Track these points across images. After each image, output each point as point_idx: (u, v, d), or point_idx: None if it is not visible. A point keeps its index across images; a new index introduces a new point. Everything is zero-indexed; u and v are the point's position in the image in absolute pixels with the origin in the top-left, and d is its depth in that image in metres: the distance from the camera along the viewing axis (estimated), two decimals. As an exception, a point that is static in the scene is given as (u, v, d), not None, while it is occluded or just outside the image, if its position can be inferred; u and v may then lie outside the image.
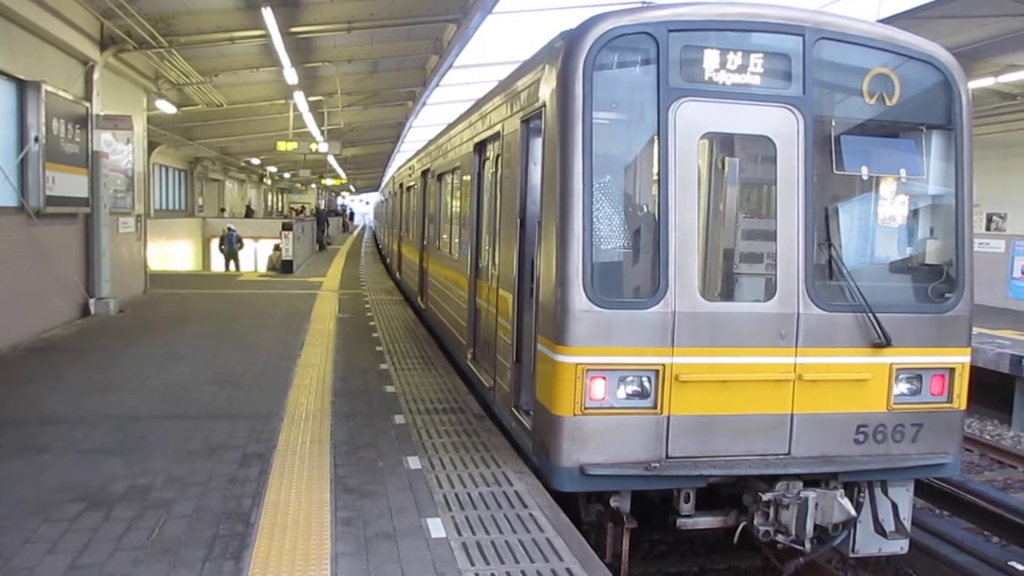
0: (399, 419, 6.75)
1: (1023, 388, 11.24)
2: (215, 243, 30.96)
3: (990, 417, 11.86)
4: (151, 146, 19.66)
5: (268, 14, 11.96)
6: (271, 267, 23.22)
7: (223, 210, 37.99)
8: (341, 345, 10.25)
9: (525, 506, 4.86)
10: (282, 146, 21.60)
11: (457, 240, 9.15)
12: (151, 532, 4.33)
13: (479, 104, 8.22)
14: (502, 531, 4.48)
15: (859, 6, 13.18)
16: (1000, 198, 19.34)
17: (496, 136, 6.96)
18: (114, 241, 13.21)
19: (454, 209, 9.60)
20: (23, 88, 10.13)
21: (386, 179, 39.84)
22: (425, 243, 12.29)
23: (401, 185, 17.90)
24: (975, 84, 15.03)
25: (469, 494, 5.03)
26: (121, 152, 13.84)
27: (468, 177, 8.23)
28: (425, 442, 6.12)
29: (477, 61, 25.06)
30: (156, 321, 12.33)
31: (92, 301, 12.31)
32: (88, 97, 12.17)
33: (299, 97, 18.79)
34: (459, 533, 4.42)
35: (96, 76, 12.34)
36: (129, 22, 12.05)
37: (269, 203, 54.09)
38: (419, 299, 12.76)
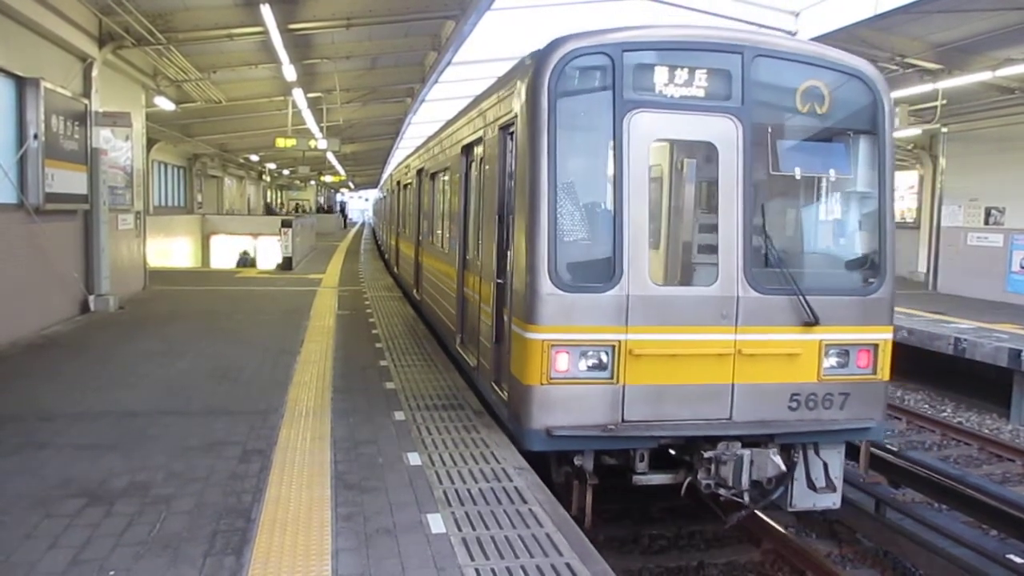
0: (399, 415, 6.76)
1: (1021, 382, 11.26)
2: (215, 241, 31.02)
3: (988, 411, 11.90)
4: (150, 143, 19.65)
5: (266, 10, 11.95)
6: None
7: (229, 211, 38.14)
8: (341, 341, 10.26)
9: (525, 502, 4.88)
10: (281, 143, 21.55)
11: (448, 235, 9.68)
12: (152, 528, 4.35)
13: (466, 110, 8.86)
14: (502, 527, 4.49)
15: (856, 2, 13.16)
16: (998, 192, 19.30)
17: (480, 140, 7.60)
18: (113, 238, 13.21)
19: (445, 206, 10.14)
20: (22, 85, 10.12)
21: (385, 176, 39.86)
22: (420, 238, 12.87)
23: (398, 183, 18.55)
24: (972, 78, 15.05)
25: (469, 490, 5.05)
26: (120, 149, 13.84)
27: (457, 177, 8.84)
28: (425, 438, 6.13)
29: (476, 57, 24.97)
30: (156, 317, 12.33)
31: (91, 298, 12.32)
32: (87, 94, 12.16)
33: (298, 94, 18.76)
34: (459, 529, 4.44)
35: (95, 73, 12.33)
36: (127, 19, 12.03)
37: (268, 199, 54.02)
38: (415, 292, 13.41)
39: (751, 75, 5.81)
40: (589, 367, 5.68)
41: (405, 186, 16.15)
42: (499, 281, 6.60)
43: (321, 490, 4.95)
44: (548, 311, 5.61)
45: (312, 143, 21.83)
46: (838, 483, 6.26)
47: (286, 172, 47.30)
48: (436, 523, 4.50)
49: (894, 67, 15.80)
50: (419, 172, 13.20)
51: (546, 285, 5.59)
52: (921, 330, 12.68)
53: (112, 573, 3.85)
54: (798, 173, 6.21)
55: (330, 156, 34.38)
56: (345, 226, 60.97)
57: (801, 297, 5.81)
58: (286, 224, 22.37)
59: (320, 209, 61.95)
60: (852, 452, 8.41)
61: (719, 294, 5.78)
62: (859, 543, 7.06)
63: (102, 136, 12.58)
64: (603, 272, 5.70)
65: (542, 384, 5.63)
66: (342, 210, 74.55)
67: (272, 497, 4.82)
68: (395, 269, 19.05)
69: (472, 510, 4.71)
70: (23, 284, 10.29)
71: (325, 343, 10.09)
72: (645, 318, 5.68)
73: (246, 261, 27.99)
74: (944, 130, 18.62)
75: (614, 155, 5.68)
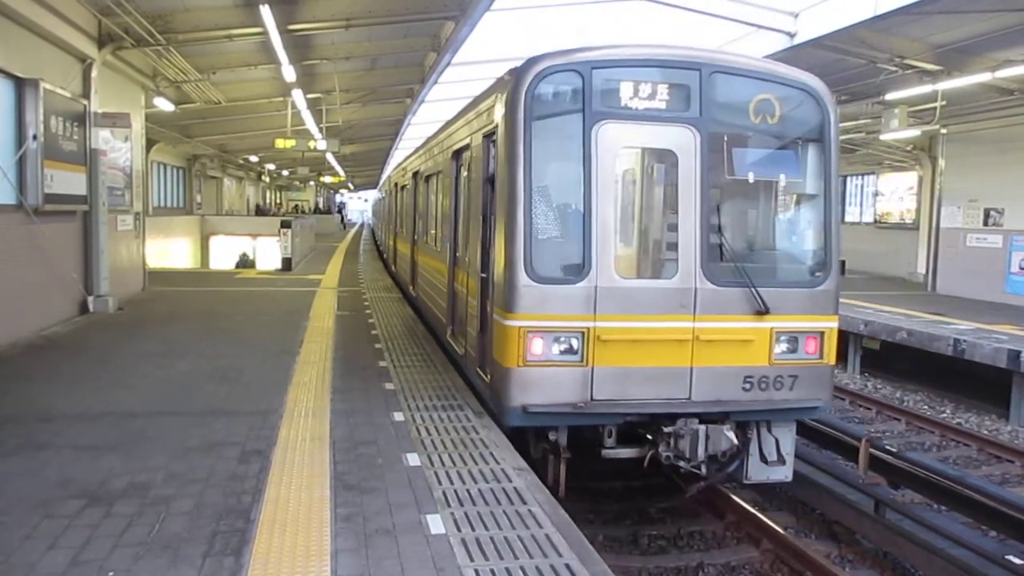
0: (398, 416, 6.76)
1: (1020, 383, 11.26)
2: (214, 242, 31.01)
3: (988, 412, 11.90)
4: (149, 144, 19.64)
5: (266, 11, 11.95)
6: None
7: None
8: (340, 342, 10.26)
9: (524, 502, 4.88)
10: (280, 143, 21.55)
11: (440, 234, 10.26)
12: (151, 528, 4.35)
13: (456, 117, 9.51)
14: (501, 527, 4.49)
15: (855, 3, 13.15)
16: (998, 193, 19.33)
17: (467, 147, 8.19)
18: (112, 239, 13.21)
19: (438, 207, 10.69)
20: (21, 86, 10.12)
21: (384, 177, 39.88)
22: (415, 237, 13.48)
23: (396, 184, 19.19)
24: (972, 79, 15.07)
25: (468, 490, 5.05)
26: (119, 150, 13.84)
27: (447, 180, 9.44)
28: (424, 439, 6.13)
29: (476, 58, 24.98)
30: (155, 318, 12.33)
31: (91, 298, 12.31)
32: (86, 95, 12.15)
33: (297, 94, 18.76)
34: (458, 529, 4.44)
35: (94, 74, 12.33)
36: (127, 19, 12.03)
37: (267, 200, 53.99)
38: (411, 288, 14.07)
39: (708, 89, 6.37)
40: (561, 351, 6.23)
41: (402, 188, 16.78)
42: (483, 275, 7.16)
43: (320, 491, 4.95)
44: (524, 301, 6.17)
45: (311, 144, 21.84)
46: (789, 458, 6.84)
47: (285, 173, 47.28)
48: (435, 524, 4.50)
49: (894, 68, 15.81)
50: (415, 175, 13.74)
51: (523, 278, 6.15)
52: (920, 331, 12.68)
53: (111, 574, 3.85)
54: (751, 177, 6.84)
55: (329, 157, 34.35)
56: (344, 227, 60.89)
57: (753, 289, 6.36)
58: (285, 225, 22.35)
59: (318, 210, 61.84)
60: (851, 453, 8.43)
61: (679, 286, 6.34)
62: (858, 544, 7.06)
63: (101, 137, 12.58)
64: (574, 266, 6.25)
65: (519, 366, 6.19)
66: (339, 211, 74.42)
67: (271, 498, 4.82)
68: (393, 268, 19.77)
69: (471, 511, 4.71)
70: (22, 285, 10.28)
71: (324, 344, 10.09)
72: (611, 307, 6.23)
73: (246, 263, 28.04)
74: (943, 131, 18.64)
75: (584, 161, 6.24)
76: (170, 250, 26.49)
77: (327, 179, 47.08)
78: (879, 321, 13.66)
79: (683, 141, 6.34)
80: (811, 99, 6.67)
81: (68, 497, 4.77)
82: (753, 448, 6.74)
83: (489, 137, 7.05)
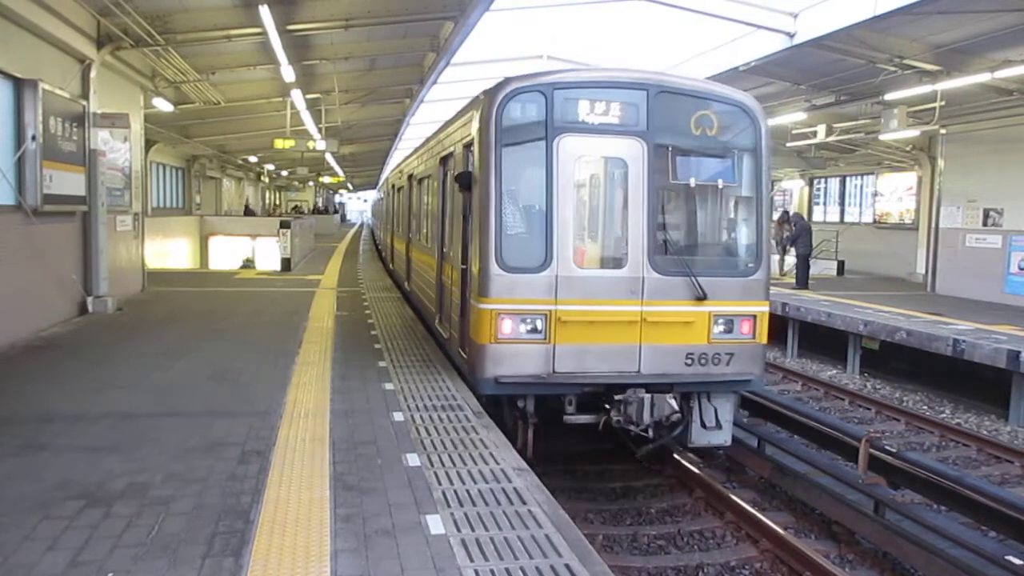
0: (398, 416, 6.76)
1: (1020, 383, 11.26)
2: (213, 242, 30.99)
3: (987, 412, 11.90)
4: (148, 144, 19.62)
5: (265, 12, 11.94)
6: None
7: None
8: (339, 343, 10.26)
9: (524, 503, 4.88)
10: (279, 144, 21.51)
11: (429, 232, 11.17)
12: (151, 529, 4.34)
13: (443, 127, 10.54)
14: (501, 527, 4.49)
15: (854, 3, 13.15)
16: (997, 193, 19.34)
17: (451, 155, 9.10)
18: (112, 239, 13.21)
19: (428, 208, 11.62)
20: (20, 86, 10.11)
21: (383, 177, 39.89)
22: (410, 235, 14.34)
23: (393, 185, 20.23)
24: (971, 79, 15.08)
25: (468, 491, 5.05)
26: (118, 150, 13.83)
27: (436, 183, 10.36)
28: (424, 439, 6.13)
29: (475, 58, 24.98)
30: (154, 319, 12.33)
31: (90, 299, 12.31)
32: (85, 95, 12.15)
33: (296, 95, 18.74)
34: (458, 529, 4.44)
35: (93, 74, 12.32)
36: (126, 20, 12.02)
37: (267, 201, 53.94)
38: (406, 284, 15.03)
39: (654, 107, 7.33)
40: (527, 330, 7.21)
41: (398, 189, 17.77)
42: (463, 267, 8.04)
43: (320, 491, 4.95)
44: (495, 287, 7.16)
45: (310, 144, 21.79)
46: (727, 425, 7.81)
47: (285, 173, 47.24)
48: (435, 524, 4.50)
49: (893, 68, 15.82)
50: (409, 177, 14.62)
51: (494, 267, 7.15)
52: (920, 331, 12.69)
53: (111, 574, 3.84)
54: (692, 182, 7.64)
55: (328, 157, 34.34)
56: (343, 222, 60.75)
57: (693, 278, 7.32)
58: (284, 225, 22.33)
59: (317, 210, 61.76)
60: (851, 454, 8.43)
61: (628, 275, 7.31)
62: (858, 544, 7.06)
63: (100, 137, 12.57)
64: (538, 258, 7.21)
65: (491, 343, 7.18)
66: (337, 211, 74.35)
67: (271, 498, 4.81)
68: (391, 266, 20.81)
69: (471, 511, 4.71)
70: (21, 286, 10.27)
71: (324, 344, 10.09)
72: (570, 293, 7.20)
73: (248, 265, 28.08)
74: (943, 131, 18.64)
75: (546, 169, 7.21)
76: (169, 250, 26.48)
77: (326, 179, 47.04)
78: (878, 321, 13.66)
79: (632, 151, 7.33)
80: (745, 115, 7.65)
81: (67, 498, 4.76)
82: (695, 416, 7.69)
83: (468, 147, 7.97)
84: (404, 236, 15.37)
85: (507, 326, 7.18)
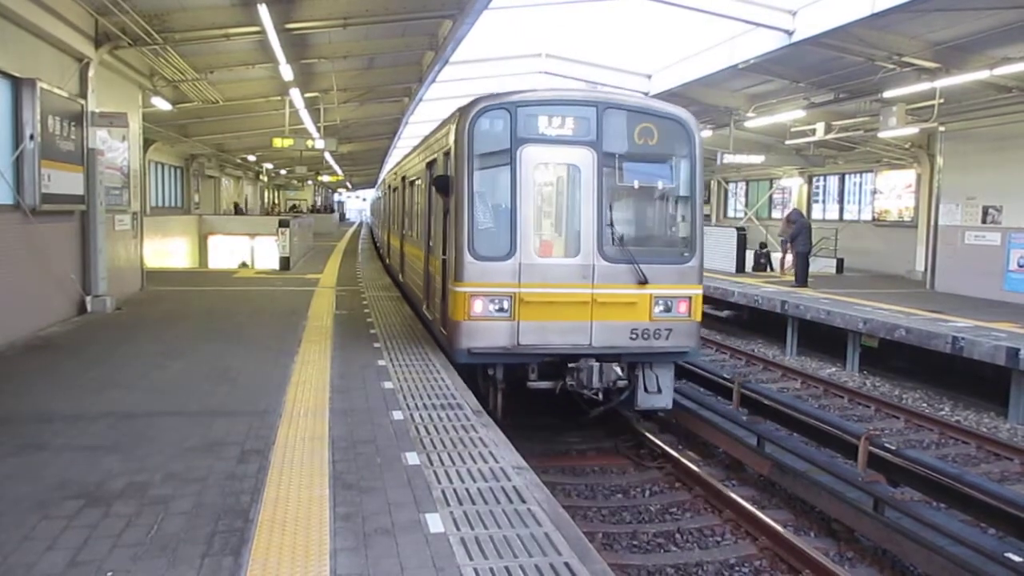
0: (397, 415, 6.76)
1: (1019, 380, 11.27)
2: (212, 241, 30.97)
3: (986, 409, 11.91)
4: (147, 143, 19.58)
5: (263, 10, 11.93)
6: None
7: (233, 208, 37.93)
8: (339, 342, 10.25)
9: (523, 501, 4.88)
10: (278, 143, 21.49)
11: (419, 228, 12.30)
12: (150, 529, 4.34)
13: (429, 136, 11.95)
14: (500, 526, 4.49)
15: (853, 0, 13.15)
16: (996, 191, 19.30)
17: (434, 161, 10.36)
18: (110, 238, 13.20)
19: (418, 206, 12.63)
20: (18, 86, 10.10)
21: (382, 176, 39.88)
22: (403, 232, 15.50)
23: (389, 186, 21.62)
24: (970, 77, 15.09)
25: (467, 489, 5.05)
26: (117, 149, 13.81)
27: (423, 185, 11.50)
28: (423, 438, 6.13)
29: (473, 57, 24.95)
30: (153, 318, 12.33)
31: (89, 298, 12.30)
32: (83, 94, 12.14)
33: (295, 94, 18.73)
34: (458, 528, 4.44)
35: (91, 73, 12.31)
36: (124, 19, 12.01)
37: (266, 200, 53.89)
38: (400, 276, 16.31)
39: (603, 121, 8.56)
40: (495, 309, 8.43)
41: (393, 190, 19.01)
42: (444, 257, 9.23)
43: (319, 490, 4.95)
44: (468, 273, 8.43)
45: (309, 143, 21.78)
46: (668, 391, 9.09)
47: (283, 172, 47.21)
48: (435, 522, 4.50)
49: (891, 66, 15.82)
50: (402, 179, 15.88)
51: (467, 257, 8.42)
52: (919, 329, 12.69)
53: (110, 574, 3.84)
54: (636, 184, 9.03)
55: (327, 156, 34.34)
56: (342, 221, 60.61)
57: (636, 265, 8.56)
58: (283, 224, 22.31)
59: (315, 209, 61.66)
60: (850, 451, 8.43)
61: (581, 263, 8.55)
62: (857, 542, 7.06)
63: (99, 136, 12.56)
64: (504, 248, 8.45)
65: (465, 320, 8.45)
66: (335, 209, 74.25)
67: (270, 497, 4.81)
68: (388, 260, 22.03)
69: (471, 509, 4.71)
70: (20, 285, 10.27)
71: (323, 343, 10.08)
72: (532, 278, 8.45)
73: (245, 266, 28.07)
74: (941, 129, 18.63)
75: (511, 174, 8.45)
76: (168, 250, 26.45)
77: (325, 178, 46.96)
78: (877, 319, 13.67)
79: (584, 158, 8.56)
80: (681, 127, 8.88)
81: (66, 498, 4.76)
82: (640, 383, 8.90)
83: (447, 155, 9.20)
84: (398, 233, 16.59)
85: (478, 306, 8.44)
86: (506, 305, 8.43)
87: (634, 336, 8.67)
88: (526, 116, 8.50)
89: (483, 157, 8.56)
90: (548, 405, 9.57)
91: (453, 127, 8.85)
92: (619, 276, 8.56)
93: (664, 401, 9.11)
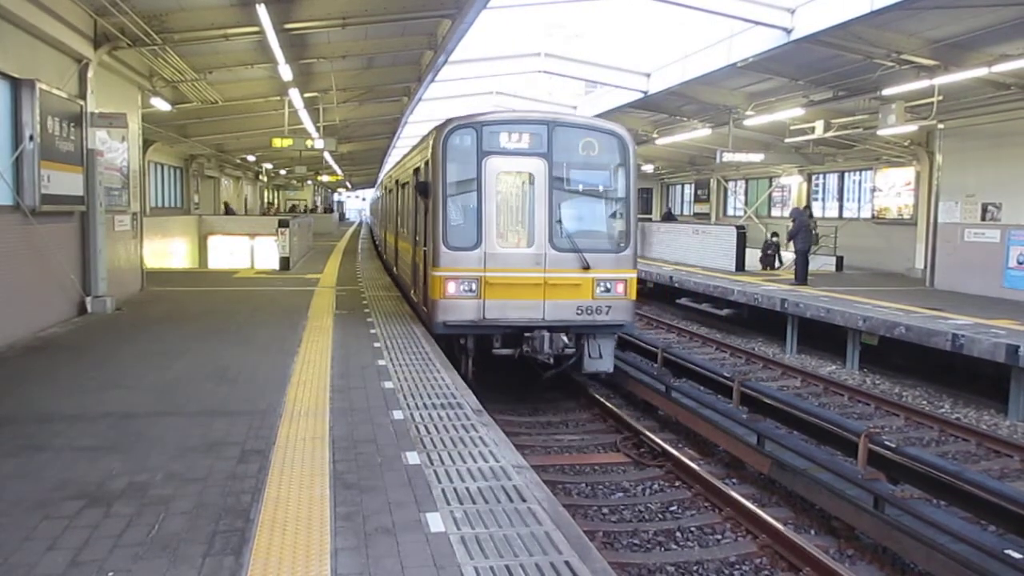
0: (397, 415, 6.77)
1: (1019, 377, 11.27)
2: (212, 241, 30.92)
3: (986, 407, 11.91)
4: (146, 144, 19.59)
5: (262, 10, 11.93)
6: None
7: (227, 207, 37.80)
8: (339, 341, 10.26)
9: (524, 500, 4.88)
10: (277, 143, 21.48)
11: (408, 225, 13.82)
12: (151, 529, 4.35)
13: (415, 147, 14.12)
14: (501, 525, 4.50)
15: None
16: (995, 188, 19.33)
17: (418, 168, 12.10)
18: (110, 239, 13.20)
19: (407, 206, 14.20)
20: (17, 86, 10.10)
21: (381, 176, 39.89)
22: (397, 229, 16.87)
23: (385, 188, 23.45)
24: (969, 74, 15.09)
25: (468, 488, 5.06)
26: (116, 150, 13.81)
27: (411, 188, 12.98)
28: (424, 437, 6.14)
29: (473, 56, 24.96)
30: (153, 318, 12.33)
31: (88, 299, 12.31)
32: (82, 95, 12.14)
33: (294, 94, 18.73)
34: (458, 527, 4.44)
35: (90, 74, 12.31)
36: (123, 19, 12.01)
37: (266, 200, 53.82)
38: (394, 268, 18.13)
39: (553, 136, 10.28)
40: (465, 290, 10.16)
41: (389, 191, 20.60)
42: (425, 248, 10.98)
43: (320, 489, 4.95)
44: (443, 261, 10.20)
45: (308, 143, 21.77)
46: (609, 357, 10.78)
47: (283, 172, 47.18)
48: (435, 522, 4.50)
49: (890, 63, 15.82)
50: (396, 182, 17.52)
51: (442, 247, 10.21)
52: (919, 326, 12.69)
53: (111, 574, 3.85)
54: (580, 187, 10.72)
55: (327, 156, 34.31)
56: (342, 221, 60.49)
57: (580, 254, 10.25)
58: (283, 224, 22.30)
59: (313, 208, 61.59)
60: (850, 449, 8.43)
61: (535, 252, 10.26)
62: (858, 539, 7.07)
63: (98, 137, 12.57)
64: (472, 240, 10.20)
65: (441, 299, 10.21)
66: (335, 209, 74.16)
67: (271, 497, 4.82)
68: (385, 255, 23.67)
69: (471, 509, 4.72)
70: (20, 286, 10.28)
71: (323, 343, 10.09)
72: (495, 264, 10.17)
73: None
74: (940, 126, 18.62)
75: (477, 180, 10.20)
76: (168, 250, 26.41)
77: (325, 178, 46.90)
78: (877, 317, 13.67)
79: (537, 167, 10.27)
80: (617, 139, 10.55)
81: (67, 498, 4.77)
82: (585, 351, 10.56)
83: (427, 164, 10.86)
84: (393, 230, 18.29)
85: (452, 287, 10.16)
86: (474, 287, 10.15)
87: (579, 312, 10.34)
88: (490, 133, 10.21)
89: (455, 166, 10.32)
90: (513, 370, 11.30)
91: (431, 141, 10.63)
92: (567, 263, 10.23)
93: (606, 366, 10.76)
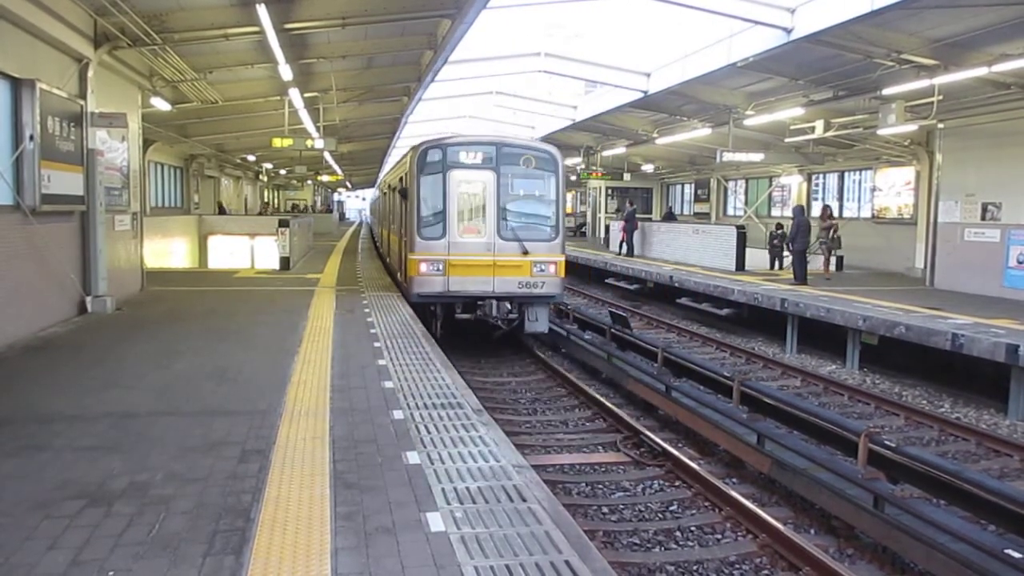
0: (398, 414, 6.77)
1: (1019, 377, 11.27)
2: (212, 241, 30.88)
3: (986, 406, 11.91)
4: (146, 144, 19.57)
5: (262, 10, 11.93)
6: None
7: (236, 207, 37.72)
8: (339, 341, 10.27)
9: (524, 500, 4.89)
10: (277, 143, 21.46)
11: (398, 222, 16.43)
12: (151, 528, 4.35)
13: (400, 160, 18.46)
14: (501, 525, 4.50)
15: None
16: (995, 188, 19.31)
17: (402, 177, 15.26)
18: (110, 239, 13.21)
19: (397, 207, 16.72)
20: (17, 86, 10.11)
21: (381, 176, 39.94)
22: (391, 226, 19.59)
23: (381, 191, 27.64)
24: (969, 74, 15.10)
25: (468, 488, 5.06)
26: (116, 150, 13.82)
27: (399, 192, 15.61)
28: (424, 437, 6.14)
29: (472, 56, 24.95)
30: (153, 318, 12.34)
31: (89, 299, 12.31)
32: (83, 95, 12.14)
33: (294, 93, 18.72)
34: (458, 527, 4.45)
35: (90, 74, 12.32)
36: (123, 19, 12.01)
37: (265, 199, 53.77)
38: (388, 258, 21.17)
39: (500, 154, 13.70)
40: (434, 270, 13.50)
41: (384, 194, 24.15)
42: (405, 239, 14.30)
43: (320, 489, 4.96)
44: (418, 247, 13.60)
45: (308, 143, 21.74)
46: (544, 321, 14.18)
47: (283, 172, 47.17)
48: (435, 521, 4.51)
49: (890, 63, 15.82)
50: (388, 186, 20.76)
51: (417, 237, 13.62)
52: (919, 326, 12.70)
53: (112, 573, 3.86)
54: (521, 192, 14.01)
55: (327, 156, 34.29)
56: (342, 221, 60.44)
57: (521, 242, 13.59)
58: (283, 224, 22.29)
59: (312, 208, 61.54)
60: (850, 448, 8.44)
61: (487, 241, 13.59)
62: (857, 539, 7.07)
63: (98, 137, 12.57)
64: (439, 232, 13.56)
65: (416, 276, 13.59)
66: (335, 209, 74.11)
67: (271, 497, 4.83)
68: (381, 249, 26.83)
69: (471, 508, 4.72)
70: (20, 286, 10.28)
71: (323, 343, 10.10)
72: (456, 250, 13.54)
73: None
74: (940, 126, 18.62)
75: (443, 187, 13.55)
76: (168, 250, 26.39)
77: (325, 178, 46.88)
78: (877, 316, 13.68)
79: (488, 178, 13.62)
80: (550, 156, 14.04)
81: (68, 498, 4.77)
82: (527, 316, 13.90)
83: (406, 175, 14.28)
84: (388, 227, 21.41)
85: (424, 267, 13.51)
86: (441, 267, 13.47)
87: (520, 286, 13.63)
88: (453, 151, 13.65)
89: (426, 177, 13.61)
90: (471, 332, 14.83)
91: (409, 157, 14.36)
92: (511, 249, 13.58)
93: (542, 327, 14.16)
